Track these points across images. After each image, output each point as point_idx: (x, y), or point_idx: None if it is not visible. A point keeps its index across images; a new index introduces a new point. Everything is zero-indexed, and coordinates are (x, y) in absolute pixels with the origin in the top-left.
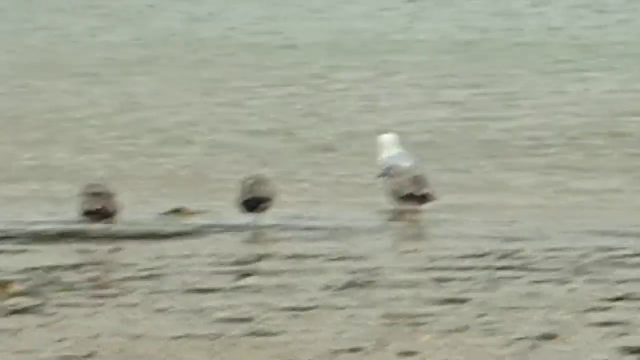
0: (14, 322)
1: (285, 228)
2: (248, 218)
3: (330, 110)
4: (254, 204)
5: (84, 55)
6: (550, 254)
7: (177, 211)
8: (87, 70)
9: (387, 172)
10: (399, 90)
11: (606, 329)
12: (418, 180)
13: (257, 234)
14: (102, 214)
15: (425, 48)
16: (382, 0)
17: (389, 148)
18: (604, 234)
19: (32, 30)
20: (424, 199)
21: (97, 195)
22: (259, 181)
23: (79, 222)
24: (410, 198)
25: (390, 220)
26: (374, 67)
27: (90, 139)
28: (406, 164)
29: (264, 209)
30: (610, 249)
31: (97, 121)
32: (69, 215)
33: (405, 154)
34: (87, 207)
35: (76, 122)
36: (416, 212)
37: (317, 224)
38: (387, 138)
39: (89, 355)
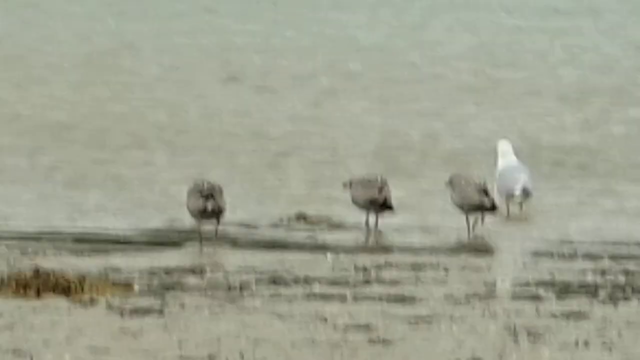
0: (135, 322)
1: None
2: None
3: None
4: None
5: None
6: None
7: (300, 217)
8: None
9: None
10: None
11: None
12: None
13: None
14: (213, 213)
15: None
16: None
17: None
18: None
19: None
20: (493, 209)
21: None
22: (384, 183)
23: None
24: (479, 208)
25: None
26: None
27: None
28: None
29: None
30: None
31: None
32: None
33: (517, 163)
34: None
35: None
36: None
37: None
38: (502, 145)
39: (209, 357)
